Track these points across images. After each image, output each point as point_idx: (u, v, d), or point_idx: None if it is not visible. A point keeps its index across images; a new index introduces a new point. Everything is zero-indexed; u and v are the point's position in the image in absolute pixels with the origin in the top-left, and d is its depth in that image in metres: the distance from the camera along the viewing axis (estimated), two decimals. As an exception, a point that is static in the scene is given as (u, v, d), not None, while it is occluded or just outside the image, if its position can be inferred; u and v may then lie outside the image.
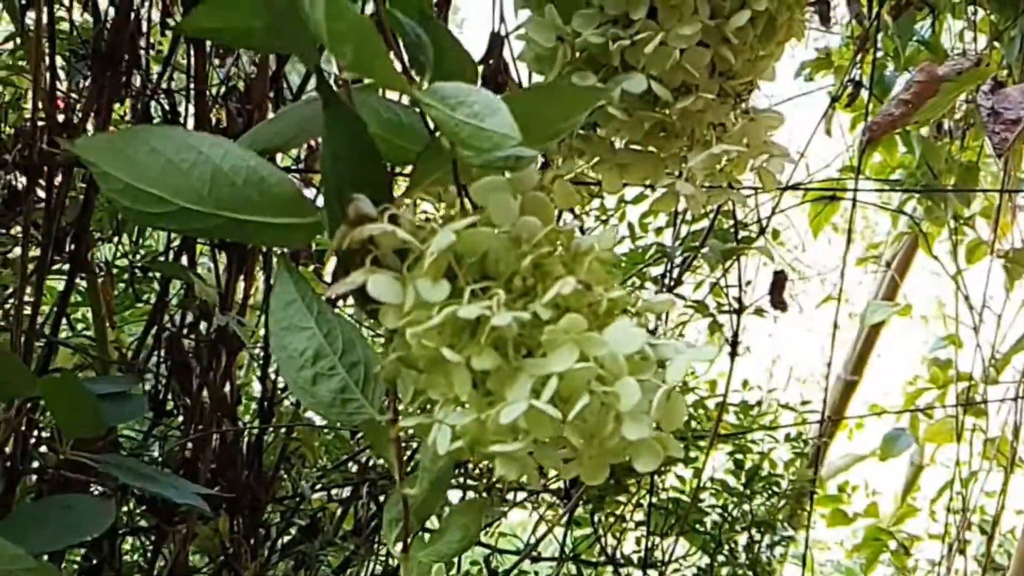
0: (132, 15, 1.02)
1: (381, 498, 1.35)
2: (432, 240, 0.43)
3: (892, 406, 2.38)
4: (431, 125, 0.51)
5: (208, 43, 1.06)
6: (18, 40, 1.14)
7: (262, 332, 1.16)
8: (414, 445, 1.20)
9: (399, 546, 0.54)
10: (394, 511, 0.54)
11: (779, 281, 1.45)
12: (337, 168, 0.47)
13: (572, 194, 0.53)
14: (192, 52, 1.07)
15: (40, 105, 0.91)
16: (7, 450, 0.89)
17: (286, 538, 1.31)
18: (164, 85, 1.13)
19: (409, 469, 1.41)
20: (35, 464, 1.03)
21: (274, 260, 1.17)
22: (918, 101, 1.16)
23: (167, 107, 1.14)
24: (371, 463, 1.39)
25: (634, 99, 0.63)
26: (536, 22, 0.62)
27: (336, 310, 0.53)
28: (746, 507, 1.82)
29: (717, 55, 0.62)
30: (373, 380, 0.51)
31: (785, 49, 0.68)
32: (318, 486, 1.36)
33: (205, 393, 1.11)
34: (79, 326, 1.39)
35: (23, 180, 1.07)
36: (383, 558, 1.39)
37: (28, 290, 0.93)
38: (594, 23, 0.62)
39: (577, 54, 0.63)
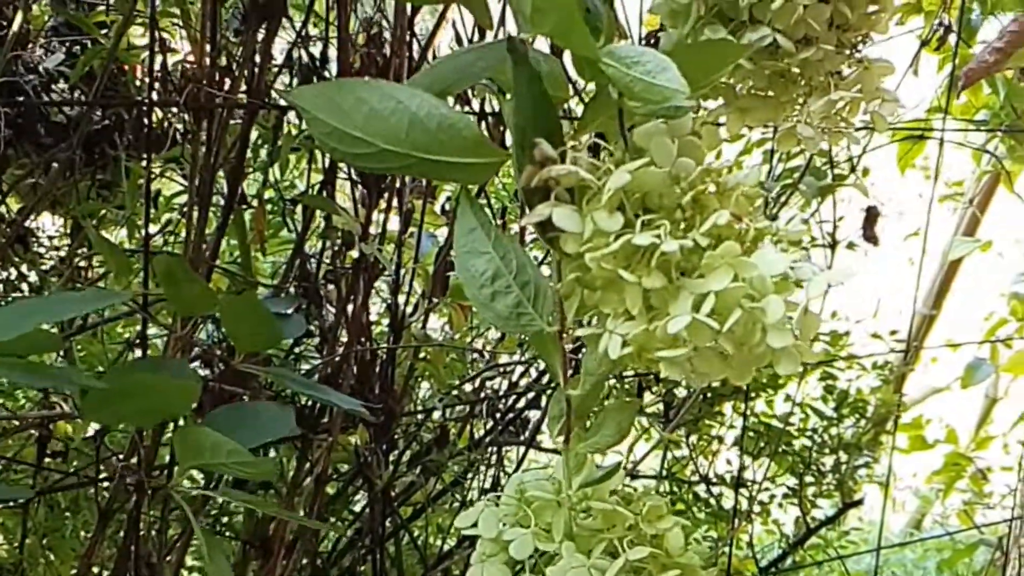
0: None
1: (496, 416, 1.45)
2: (608, 178, 0.51)
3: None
4: (572, 74, 0.59)
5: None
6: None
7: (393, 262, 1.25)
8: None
9: (561, 439, 0.62)
10: (557, 409, 0.62)
11: (872, 215, 1.50)
12: (523, 116, 0.55)
13: (717, 138, 0.60)
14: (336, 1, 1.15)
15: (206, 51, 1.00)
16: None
17: (408, 454, 1.41)
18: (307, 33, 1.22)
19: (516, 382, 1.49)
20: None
21: (406, 194, 1.26)
22: (1011, 49, 1.21)
23: (313, 55, 1.23)
24: (486, 384, 1.49)
25: (759, 50, 0.71)
26: (672, -21, 0.70)
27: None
28: (834, 431, 1.89)
29: (836, 10, 0.69)
30: (542, 297, 0.59)
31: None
32: (443, 401, 1.46)
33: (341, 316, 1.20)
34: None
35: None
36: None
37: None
38: (725, -20, 0.69)
39: (709, 9, 0.70)
